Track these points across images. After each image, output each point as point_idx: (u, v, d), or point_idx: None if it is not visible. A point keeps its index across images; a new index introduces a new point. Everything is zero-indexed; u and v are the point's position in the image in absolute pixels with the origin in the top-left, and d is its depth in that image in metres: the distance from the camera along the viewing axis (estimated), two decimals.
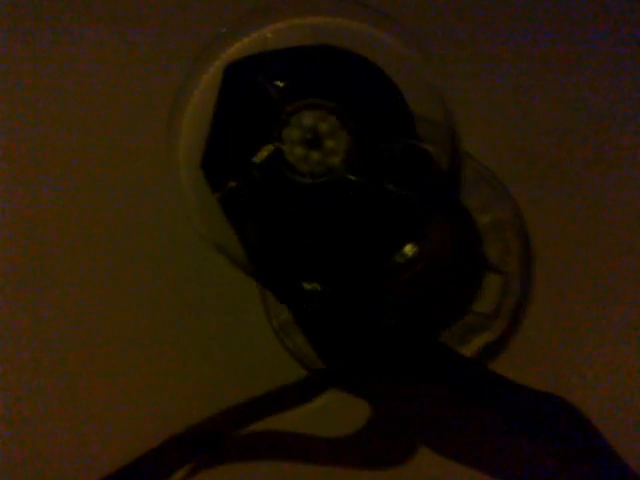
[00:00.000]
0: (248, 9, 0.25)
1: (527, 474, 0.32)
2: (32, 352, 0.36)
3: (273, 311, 0.34)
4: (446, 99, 0.24)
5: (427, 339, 0.32)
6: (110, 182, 0.37)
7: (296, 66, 0.24)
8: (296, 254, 0.24)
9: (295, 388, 0.33)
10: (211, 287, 0.35)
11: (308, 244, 0.24)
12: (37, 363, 0.36)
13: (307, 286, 0.24)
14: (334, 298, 0.26)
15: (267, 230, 0.24)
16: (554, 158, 0.36)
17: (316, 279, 0.24)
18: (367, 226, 0.23)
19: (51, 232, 0.37)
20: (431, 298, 0.33)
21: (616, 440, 0.30)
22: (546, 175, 0.35)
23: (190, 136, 0.24)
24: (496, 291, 0.33)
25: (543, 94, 0.37)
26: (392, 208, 0.23)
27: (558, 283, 0.34)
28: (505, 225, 0.34)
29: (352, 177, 0.23)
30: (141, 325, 0.35)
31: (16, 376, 0.35)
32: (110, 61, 0.39)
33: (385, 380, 0.33)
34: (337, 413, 0.33)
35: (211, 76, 0.25)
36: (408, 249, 0.24)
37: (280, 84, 0.24)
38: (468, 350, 0.32)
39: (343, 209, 0.23)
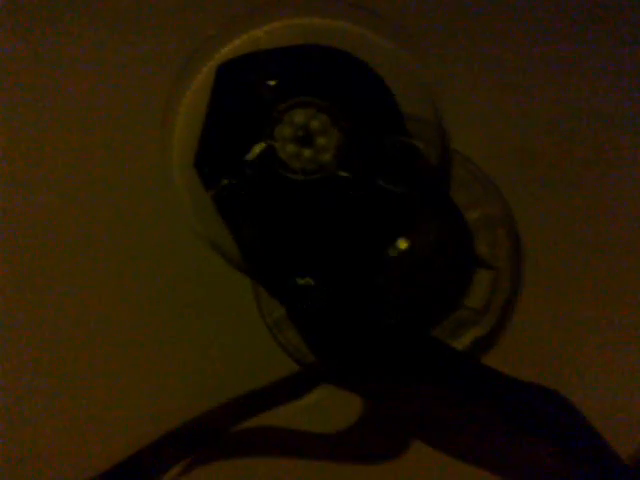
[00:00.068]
0: (240, 10, 0.25)
1: (527, 474, 0.32)
2: (29, 351, 0.36)
3: (266, 308, 0.34)
4: (436, 97, 0.24)
5: (420, 334, 0.32)
6: (103, 181, 0.38)
7: (287, 65, 0.24)
8: (289, 250, 0.24)
9: (287, 383, 0.33)
10: (205, 285, 0.35)
11: (300, 240, 0.24)
12: (35, 362, 0.36)
13: (300, 281, 0.24)
14: (330, 296, 0.26)
15: (260, 227, 0.24)
16: (548, 156, 0.36)
17: (309, 274, 0.24)
18: (359, 221, 0.23)
19: (45, 232, 0.37)
20: (422, 293, 0.33)
21: (607, 432, 0.30)
22: (537, 171, 0.35)
23: (183, 136, 0.25)
24: (486, 287, 0.33)
25: (543, 93, 0.37)
26: (383, 203, 0.23)
27: (548, 279, 0.34)
28: (495, 222, 0.34)
29: (343, 173, 0.23)
30: (134, 322, 0.36)
31: (15, 374, 0.36)
32: (102, 61, 0.39)
33: (385, 380, 0.33)
34: (333, 410, 0.33)
35: (204, 77, 0.25)
36: (400, 243, 0.24)
37: (272, 83, 0.24)
38: (459, 344, 0.33)
39: (335, 205, 0.23)
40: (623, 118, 0.36)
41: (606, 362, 0.33)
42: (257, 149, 0.24)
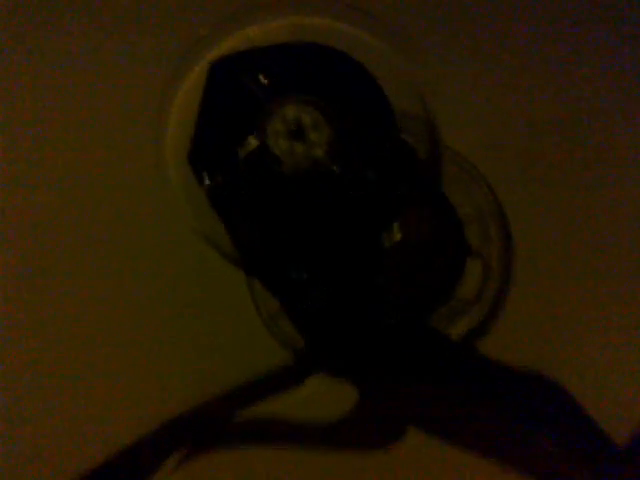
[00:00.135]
0: (234, 10, 0.26)
1: (527, 474, 0.31)
2: (29, 351, 0.36)
3: (261, 301, 0.34)
4: (432, 97, 0.24)
5: (415, 324, 0.33)
6: (98, 179, 0.38)
7: (279, 63, 0.25)
8: (283, 244, 0.24)
9: (281, 372, 0.33)
10: (200, 279, 0.36)
11: (294, 234, 0.24)
12: (35, 362, 0.36)
13: (294, 274, 0.24)
14: (330, 296, 0.26)
15: (254, 222, 0.24)
16: (547, 156, 0.36)
17: (303, 268, 0.24)
18: (351, 214, 0.24)
19: (43, 230, 0.38)
20: (422, 293, 0.33)
21: (600, 418, 0.30)
22: (537, 172, 0.35)
23: (177, 134, 0.25)
24: (478, 277, 0.33)
25: (543, 93, 0.37)
26: (374, 196, 0.23)
27: (538, 270, 0.34)
28: (486, 214, 0.34)
29: (335, 168, 0.23)
30: (130, 318, 0.36)
31: (15, 374, 0.36)
32: (96, 61, 0.39)
33: (385, 380, 0.33)
34: (330, 401, 0.33)
35: (197, 75, 0.25)
36: (393, 234, 0.24)
37: (264, 80, 0.24)
38: (452, 334, 0.33)
39: (327, 199, 0.24)
40: (623, 118, 0.36)
41: (596, 348, 0.33)
42: (250, 145, 0.24)
